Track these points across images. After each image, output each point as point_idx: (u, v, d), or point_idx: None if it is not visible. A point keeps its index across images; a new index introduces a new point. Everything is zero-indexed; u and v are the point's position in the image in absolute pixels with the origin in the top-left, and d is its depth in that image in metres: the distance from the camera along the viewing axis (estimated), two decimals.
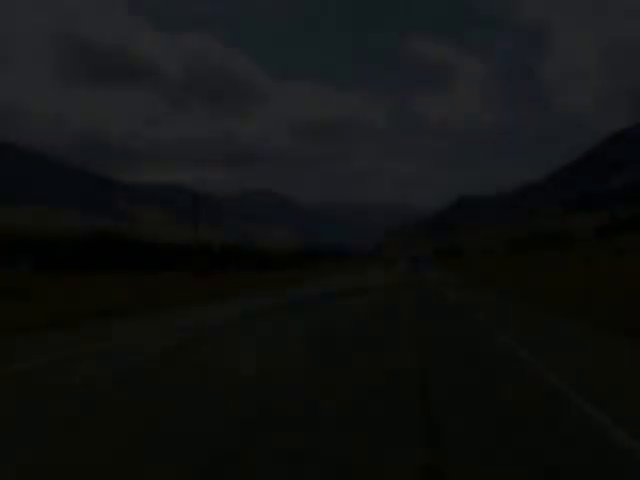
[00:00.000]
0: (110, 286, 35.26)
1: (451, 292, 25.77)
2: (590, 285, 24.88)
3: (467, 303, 18.81)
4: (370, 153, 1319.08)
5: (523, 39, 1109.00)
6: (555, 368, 7.18)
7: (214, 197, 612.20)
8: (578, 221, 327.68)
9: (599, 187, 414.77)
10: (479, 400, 5.68)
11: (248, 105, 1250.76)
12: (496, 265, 77.98)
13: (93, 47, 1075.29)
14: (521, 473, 3.79)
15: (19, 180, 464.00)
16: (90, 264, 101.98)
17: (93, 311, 16.73)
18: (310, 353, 8.89)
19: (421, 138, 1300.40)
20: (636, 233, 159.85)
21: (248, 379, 6.88)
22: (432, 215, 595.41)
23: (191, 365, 7.84)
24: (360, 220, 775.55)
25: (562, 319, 13.39)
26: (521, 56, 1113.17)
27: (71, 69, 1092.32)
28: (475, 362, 7.78)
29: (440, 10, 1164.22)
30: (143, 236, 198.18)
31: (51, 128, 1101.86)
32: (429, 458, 4.07)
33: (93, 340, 10.67)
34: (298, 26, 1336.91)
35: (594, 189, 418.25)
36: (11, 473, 3.86)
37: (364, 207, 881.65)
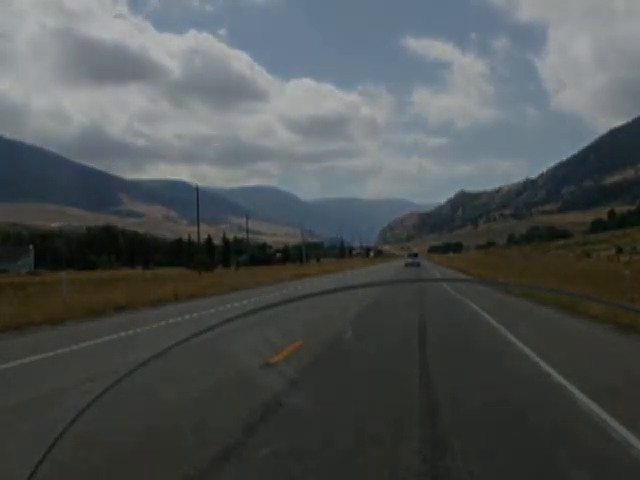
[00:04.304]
0: (150, 280, 36.01)
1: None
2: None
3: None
4: (370, 149, 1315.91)
5: (521, 37, 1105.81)
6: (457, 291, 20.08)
7: (216, 193, 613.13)
8: (575, 218, 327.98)
9: (596, 184, 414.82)
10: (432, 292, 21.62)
11: (249, 102, 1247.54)
12: (482, 257, 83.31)
13: (95, 46, 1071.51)
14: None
15: (21, 177, 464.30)
16: (91, 261, 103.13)
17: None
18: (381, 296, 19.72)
19: (421, 135, 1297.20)
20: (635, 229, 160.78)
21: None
22: (432, 211, 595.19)
23: None
24: (360, 216, 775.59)
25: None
26: (520, 54, 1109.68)
27: (72, 67, 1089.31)
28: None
29: (439, 8, 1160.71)
30: (145, 232, 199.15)
31: (52, 126, 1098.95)
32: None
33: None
34: (299, 24, 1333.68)
35: (591, 186, 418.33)
36: None
37: (364, 203, 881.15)
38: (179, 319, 14.57)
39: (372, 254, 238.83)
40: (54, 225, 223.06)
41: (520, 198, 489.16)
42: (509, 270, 37.22)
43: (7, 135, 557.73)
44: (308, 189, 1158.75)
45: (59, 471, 3.17)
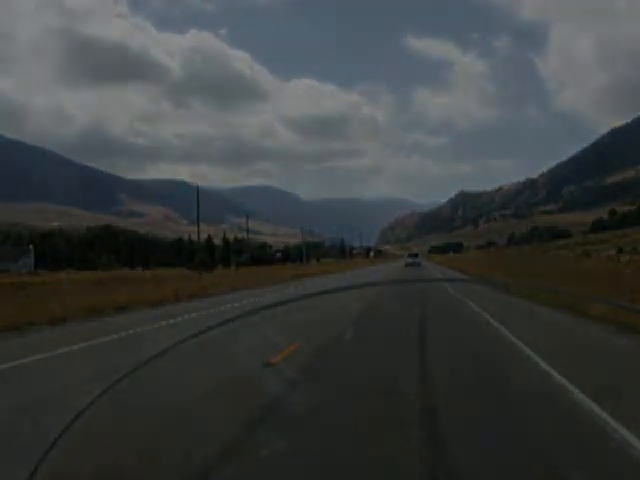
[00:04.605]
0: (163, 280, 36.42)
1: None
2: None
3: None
4: (371, 149, 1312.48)
5: (522, 37, 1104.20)
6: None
7: (216, 193, 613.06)
8: (576, 217, 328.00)
9: (597, 184, 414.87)
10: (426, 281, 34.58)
11: (249, 102, 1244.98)
12: (483, 257, 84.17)
13: (95, 45, 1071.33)
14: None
15: (21, 177, 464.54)
16: (91, 261, 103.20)
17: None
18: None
19: (421, 135, 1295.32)
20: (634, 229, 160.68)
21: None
22: (432, 211, 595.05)
23: None
24: (360, 216, 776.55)
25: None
26: (520, 53, 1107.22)
27: (72, 67, 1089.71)
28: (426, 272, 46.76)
29: (440, 8, 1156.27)
30: (145, 232, 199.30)
31: (52, 126, 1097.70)
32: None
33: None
34: (299, 24, 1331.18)
35: (592, 186, 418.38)
36: None
37: (365, 203, 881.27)
38: (179, 319, 14.58)
39: (372, 254, 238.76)
40: (54, 225, 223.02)
41: (520, 198, 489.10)
42: (510, 271, 37.14)
43: (7, 135, 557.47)
44: (308, 189, 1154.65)
45: (59, 471, 3.24)
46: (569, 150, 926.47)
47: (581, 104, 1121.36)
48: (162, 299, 21.04)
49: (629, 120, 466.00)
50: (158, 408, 5.61)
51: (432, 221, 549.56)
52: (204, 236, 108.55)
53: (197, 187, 62.03)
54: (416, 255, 78.69)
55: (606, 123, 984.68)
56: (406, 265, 64.80)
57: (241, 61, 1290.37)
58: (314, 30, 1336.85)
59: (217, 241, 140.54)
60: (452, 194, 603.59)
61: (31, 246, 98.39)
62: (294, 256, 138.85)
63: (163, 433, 4.85)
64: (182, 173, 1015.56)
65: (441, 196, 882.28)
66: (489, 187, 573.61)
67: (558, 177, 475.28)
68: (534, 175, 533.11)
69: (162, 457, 4.28)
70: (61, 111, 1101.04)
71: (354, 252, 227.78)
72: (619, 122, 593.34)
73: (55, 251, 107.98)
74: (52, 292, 21.43)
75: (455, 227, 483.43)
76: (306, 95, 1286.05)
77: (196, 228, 61.61)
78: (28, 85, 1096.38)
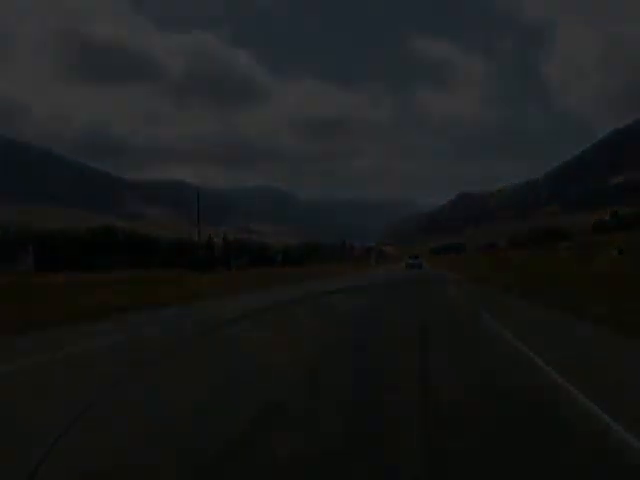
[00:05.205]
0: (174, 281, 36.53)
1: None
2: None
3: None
4: (371, 150, 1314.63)
5: (524, 38, 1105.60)
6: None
7: (216, 193, 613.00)
8: (577, 219, 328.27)
9: (599, 185, 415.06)
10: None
11: (249, 103, 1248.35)
12: (485, 259, 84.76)
13: (95, 45, 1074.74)
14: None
15: (21, 178, 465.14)
16: (91, 262, 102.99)
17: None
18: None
19: (422, 136, 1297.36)
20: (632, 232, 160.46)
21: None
22: (433, 212, 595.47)
23: None
24: (361, 217, 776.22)
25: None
26: (521, 55, 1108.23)
27: (73, 67, 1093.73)
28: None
29: (442, 8, 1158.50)
30: (145, 233, 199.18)
31: (52, 126, 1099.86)
32: None
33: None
34: (301, 24, 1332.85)
35: (594, 187, 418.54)
36: None
37: (365, 204, 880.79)
38: (180, 320, 14.60)
39: (373, 255, 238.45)
40: (54, 225, 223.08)
41: (522, 199, 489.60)
42: (519, 275, 36.00)
43: (8, 135, 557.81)
44: (309, 189, 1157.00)
45: (59, 471, 3.32)
46: (571, 151, 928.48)
47: (584, 104, 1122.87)
48: (162, 300, 21.10)
49: (632, 120, 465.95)
50: (158, 406, 5.56)
51: (433, 222, 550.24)
52: (204, 237, 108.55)
53: (197, 188, 62.05)
54: (417, 257, 79.05)
55: (609, 124, 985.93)
56: (407, 266, 65.77)
57: (242, 61, 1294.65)
58: (316, 30, 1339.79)
59: (217, 241, 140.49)
60: (453, 195, 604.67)
61: (31, 247, 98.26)
62: (294, 257, 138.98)
63: (163, 431, 4.76)
64: (182, 173, 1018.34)
65: (442, 197, 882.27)
66: (491, 188, 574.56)
67: (560, 178, 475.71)
68: (535, 176, 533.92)
69: (164, 455, 4.23)
70: (62, 111, 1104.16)
71: (355, 253, 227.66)
72: (622, 123, 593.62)
73: (55, 252, 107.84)
74: (52, 293, 21.38)
75: (456, 228, 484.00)
76: (306, 95, 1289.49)
77: (196, 229, 61.68)
78: (29, 85, 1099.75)
